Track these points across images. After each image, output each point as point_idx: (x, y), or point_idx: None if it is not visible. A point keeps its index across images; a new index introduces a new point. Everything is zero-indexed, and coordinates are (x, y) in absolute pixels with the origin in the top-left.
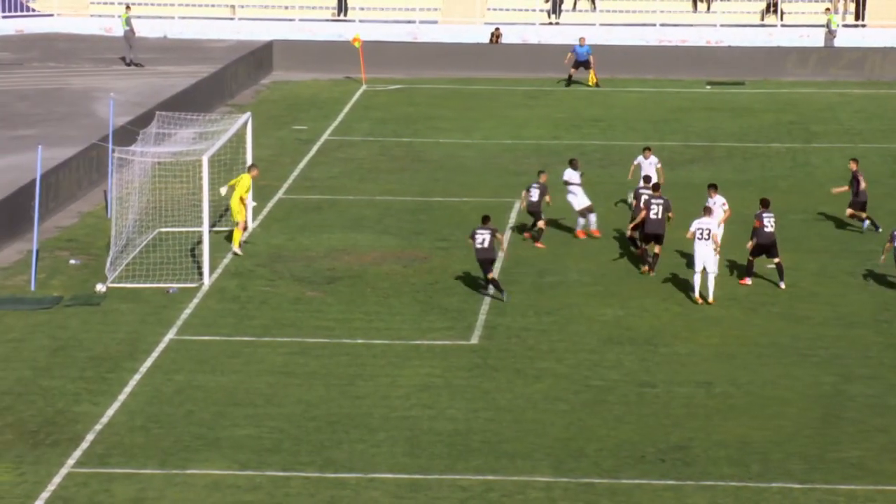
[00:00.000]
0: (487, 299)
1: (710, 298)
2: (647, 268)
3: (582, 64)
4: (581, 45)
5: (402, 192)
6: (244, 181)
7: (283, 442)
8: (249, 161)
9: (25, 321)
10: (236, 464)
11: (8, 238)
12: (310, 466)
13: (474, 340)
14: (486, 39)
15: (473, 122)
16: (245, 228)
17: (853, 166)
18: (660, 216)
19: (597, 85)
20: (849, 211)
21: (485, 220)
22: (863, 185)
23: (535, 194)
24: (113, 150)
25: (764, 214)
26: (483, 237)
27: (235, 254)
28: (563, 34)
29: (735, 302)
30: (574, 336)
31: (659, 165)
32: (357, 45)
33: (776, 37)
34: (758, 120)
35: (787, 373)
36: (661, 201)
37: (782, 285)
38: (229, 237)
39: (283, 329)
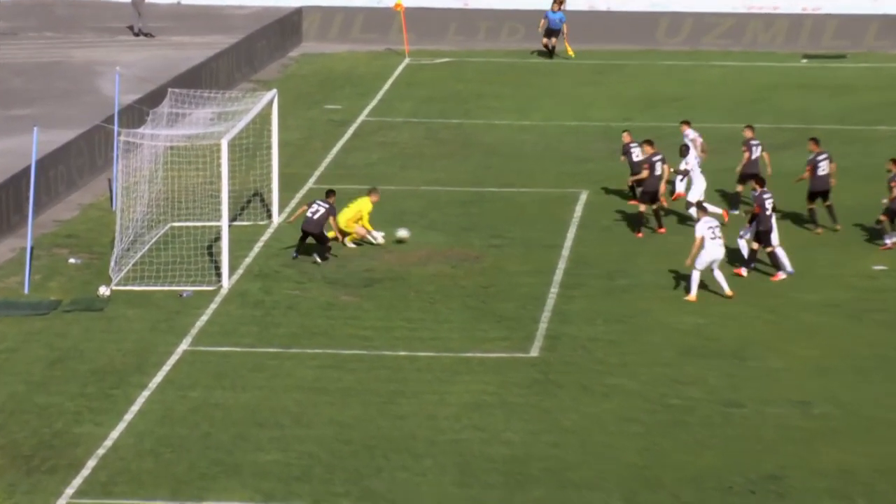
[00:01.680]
0: (550, 305)
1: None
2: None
3: (554, 32)
4: (554, 11)
5: (451, 181)
6: (362, 206)
7: (313, 469)
8: (275, 147)
9: (18, 329)
10: (259, 494)
11: (0, 234)
12: (344, 498)
13: (534, 352)
14: (547, 4)
15: (532, 100)
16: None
17: None
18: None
19: (567, 57)
20: None
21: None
22: None
23: (658, 168)
24: (119, 133)
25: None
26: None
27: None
28: (635, 0)
29: (836, 308)
30: (649, 347)
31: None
32: (399, 10)
33: (883, 3)
34: (860, 99)
35: (895, 390)
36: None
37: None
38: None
39: (313, 338)
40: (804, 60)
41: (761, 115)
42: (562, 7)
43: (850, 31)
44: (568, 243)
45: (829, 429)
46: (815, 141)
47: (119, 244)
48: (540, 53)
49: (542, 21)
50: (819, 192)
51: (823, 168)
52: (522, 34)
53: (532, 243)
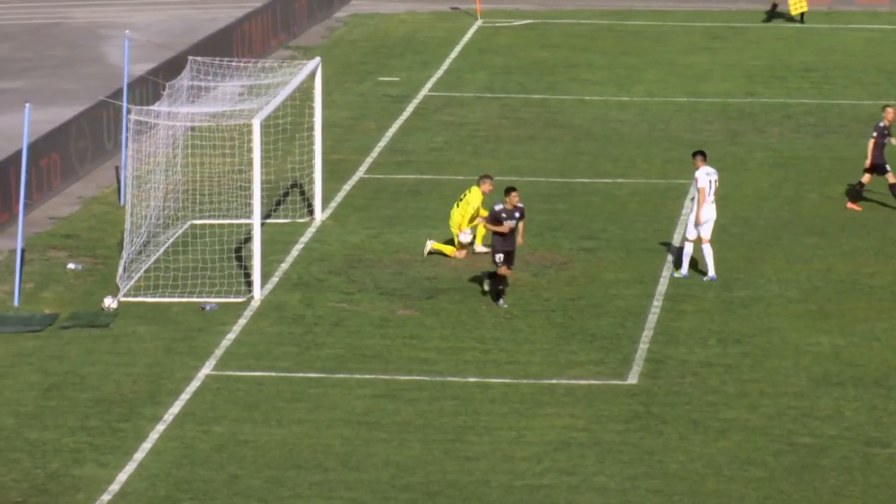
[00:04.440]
0: (651, 321)
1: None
2: None
3: None
4: None
5: (533, 170)
6: (474, 199)
7: None
8: (318, 128)
9: (6, 349)
10: None
11: None
12: None
13: (633, 380)
14: None
15: (633, 71)
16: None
17: None
18: None
19: (801, 18)
20: None
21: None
22: None
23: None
24: (129, 111)
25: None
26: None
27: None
28: None
29: None
30: (774, 374)
31: None
32: None
33: None
34: None
35: None
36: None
37: None
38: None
39: (364, 362)
40: None
41: None
42: None
43: None
44: (674, 246)
45: None
46: None
47: (129, 246)
48: (769, 15)
49: None
50: None
51: None
52: None
53: (632, 246)
